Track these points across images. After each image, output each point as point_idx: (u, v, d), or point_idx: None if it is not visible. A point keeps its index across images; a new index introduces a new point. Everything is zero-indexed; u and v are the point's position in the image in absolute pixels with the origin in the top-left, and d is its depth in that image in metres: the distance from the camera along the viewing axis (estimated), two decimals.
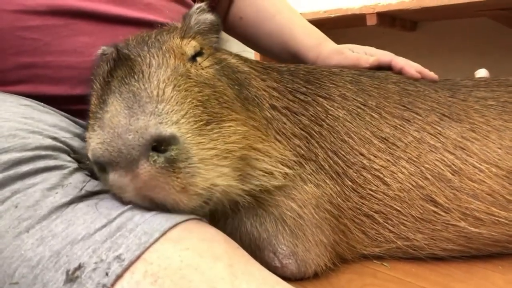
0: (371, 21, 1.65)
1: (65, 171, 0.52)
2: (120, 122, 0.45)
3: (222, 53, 0.70)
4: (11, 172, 0.49)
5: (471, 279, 0.63)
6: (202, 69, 0.58)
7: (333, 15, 1.75)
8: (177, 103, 0.48)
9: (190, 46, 0.59)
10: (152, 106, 0.46)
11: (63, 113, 0.66)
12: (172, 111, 0.47)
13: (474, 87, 0.78)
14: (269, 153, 0.60)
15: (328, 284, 0.62)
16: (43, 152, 0.53)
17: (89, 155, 0.48)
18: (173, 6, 0.83)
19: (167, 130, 0.45)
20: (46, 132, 0.56)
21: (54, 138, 0.56)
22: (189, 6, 0.88)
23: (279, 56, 1.03)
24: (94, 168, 0.50)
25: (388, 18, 1.75)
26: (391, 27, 1.84)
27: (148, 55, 0.53)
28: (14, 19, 0.65)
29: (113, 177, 0.47)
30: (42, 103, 0.65)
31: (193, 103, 0.50)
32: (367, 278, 0.64)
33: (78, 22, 0.69)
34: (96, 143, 0.46)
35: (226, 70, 0.63)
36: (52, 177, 0.50)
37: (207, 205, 0.50)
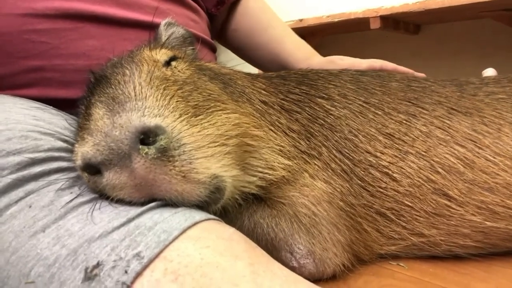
0: (375, 25, 1.66)
1: (78, 172, 0.51)
2: (105, 123, 0.46)
3: (203, 61, 0.71)
4: (25, 172, 0.49)
5: (491, 278, 0.61)
6: (179, 70, 0.58)
7: (336, 20, 1.75)
8: (156, 100, 0.49)
9: (162, 54, 0.60)
10: (132, 104, 0.47)
11: (72, 116, 0.66)
12: (152, 106, 0.48)
13: (483, 83, 0.78)
14: (266, 141, 0.60)
15: (345, 285, 0.61)
16: (56, 154, 0.53)
17: (79, 161, 0.48)
18: (179, 9, 0.84)
19: (151, 121, 0.46)
20: (57, 135, 0.56)
21: (65, 141, 0.56)
22: (195, 10, 0.89)
23: (270, 68, 1.05)
24: (82, 174, 0.50)
25: (391, 22, 1.76)
26: (394, 31, 1.85)
27: (121, 69, 0.54)
28: (23, 22, 0.66)
29: (108, 175, 0.46)
30: (51, 106, 0.65)
31: (174, 99, 0.50)
32: (384, 279, 0.62)
33: (87, 25, 0.70)
34: (85, 147, 0.47)
35: (206, 71, 0.63)
36: (65, 178, 0.50)
37: (216, 196, 0.49)
